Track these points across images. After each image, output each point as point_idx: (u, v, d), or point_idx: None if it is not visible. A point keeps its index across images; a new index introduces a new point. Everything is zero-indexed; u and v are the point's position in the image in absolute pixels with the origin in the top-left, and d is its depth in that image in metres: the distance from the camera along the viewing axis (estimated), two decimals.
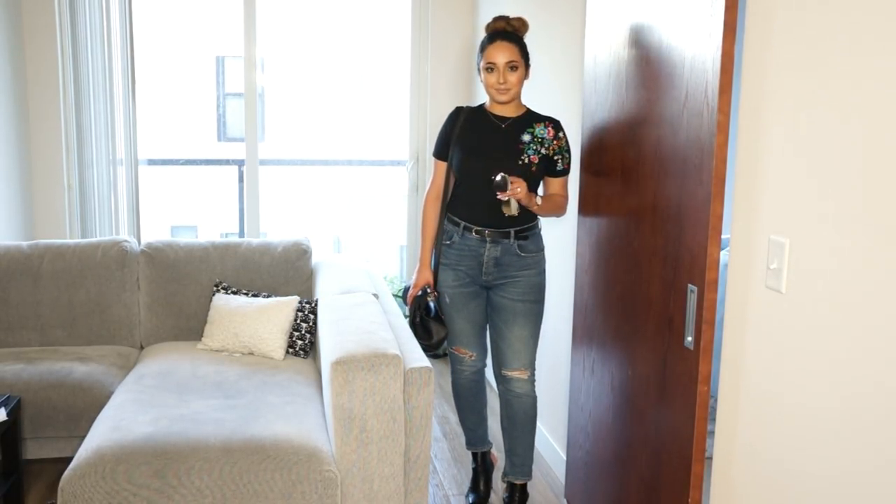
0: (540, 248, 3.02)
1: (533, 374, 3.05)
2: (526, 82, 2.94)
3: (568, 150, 2.97)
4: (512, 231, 2.94)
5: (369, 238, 11.12)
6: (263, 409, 2.82)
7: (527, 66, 2.90)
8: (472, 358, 3.12)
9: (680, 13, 2.18)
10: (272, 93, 12.33)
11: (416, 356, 2.80)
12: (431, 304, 3.06)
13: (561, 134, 2.96)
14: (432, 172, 3.10)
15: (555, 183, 3.00)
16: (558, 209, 3.00)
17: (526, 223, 2.96)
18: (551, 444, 3.55)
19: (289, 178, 11.46)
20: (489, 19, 2.94)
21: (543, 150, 2.92)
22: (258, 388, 3.02)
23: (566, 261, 3.34)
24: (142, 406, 2.82)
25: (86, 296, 3.61)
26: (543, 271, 3.03)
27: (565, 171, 2.98)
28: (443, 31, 4.90)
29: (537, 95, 3.69)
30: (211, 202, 11.33)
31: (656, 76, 2.33)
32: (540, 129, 2.93)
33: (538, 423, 3.74)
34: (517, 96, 2.94)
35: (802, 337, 1.77)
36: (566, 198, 3.02)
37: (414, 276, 3.12)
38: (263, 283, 3.70)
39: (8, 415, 2.84)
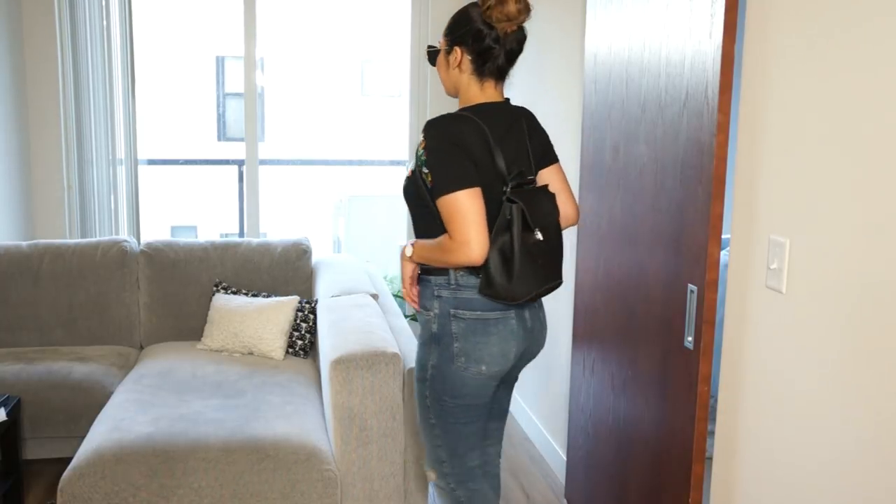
0: (428, 305, 2.14)
1: (441, 479, 2.23)
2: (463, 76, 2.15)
3: (424, 161, 2.02)
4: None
5: (369, 238, 11.13)
6: (263, 408, 2.82)
7: (448, 51, 2.16)
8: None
9: (680, 13, 2.18)
10: (272, 93, 12.34)
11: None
12: None
13: (422, 136, 2.06)
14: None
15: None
16: (436, 251, 2.05)
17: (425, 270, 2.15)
18: (551, 444, 3.55)
19: (289, 178, 11.48)
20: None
21: (413, 165, 2.10)
22: (258, 388, 3.02)
23: (566, 261, 3.34)
24: (142, 406, 2.82)
25: (85, 296, 3.61)
26: (424, 339, 2.16)
27: (433, 191, 2.01)
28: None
29: (538, 95, 3.70)
30: (211, 202, 11.33)
31: (656, 76, 2.33)
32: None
33: (539, 424, 3.74)
34: (450, 92, 2.21)
35: (802, 337, 1.77)
36: (449, 235, 1.99)
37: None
38: (263, 283, 3.70)
39: (8, 415, 2.83)
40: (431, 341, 2.12)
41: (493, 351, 2.07)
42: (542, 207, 2.08)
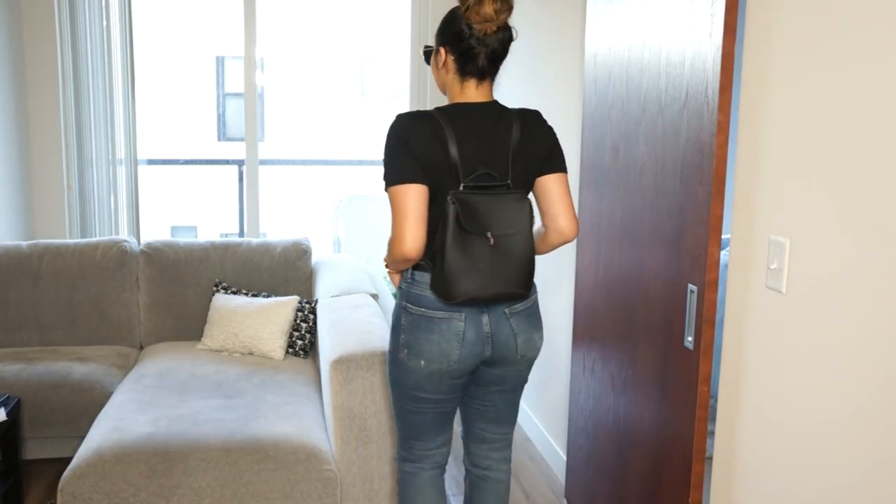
0: (396, 295, 2.26)
1: (396, 450, 2.40)
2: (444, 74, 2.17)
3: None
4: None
5: (369, 238, 11.13)
6: (263, 408, 2.82)
7: (436, 51, 2.16)
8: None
9: (680, 13, 2.18)
10: (272, 93, 12.35)
11: None
12: None
13: None
14: None
15: None
16: (388, 247, 2.12)
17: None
18: (551, 444, 3.55)
19: (289, 178, 11.48)
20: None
21: None
22: (258, 388, 3.02)
23: (566, 261, 3.34)
24: (142, 406, 2.82)
25: (85, 296, 3.61)
26: (390, 326, 2.29)
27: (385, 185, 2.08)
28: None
29: (538, 95, 3.69)
30: (211, 202, 11.34)
31: (656, 76, 2.33)
32: None
33: (539, 424, 3.74)
34: (443, 92, 2.22)
35: (802, 337, 1.77)
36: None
37: None
38: (263, 283, 3.70)
39: (8, 415, 2.83)
40: (392, 329, 2.21)
41: (432, 349, 2.10)
42: (504, 213, 2.04)
